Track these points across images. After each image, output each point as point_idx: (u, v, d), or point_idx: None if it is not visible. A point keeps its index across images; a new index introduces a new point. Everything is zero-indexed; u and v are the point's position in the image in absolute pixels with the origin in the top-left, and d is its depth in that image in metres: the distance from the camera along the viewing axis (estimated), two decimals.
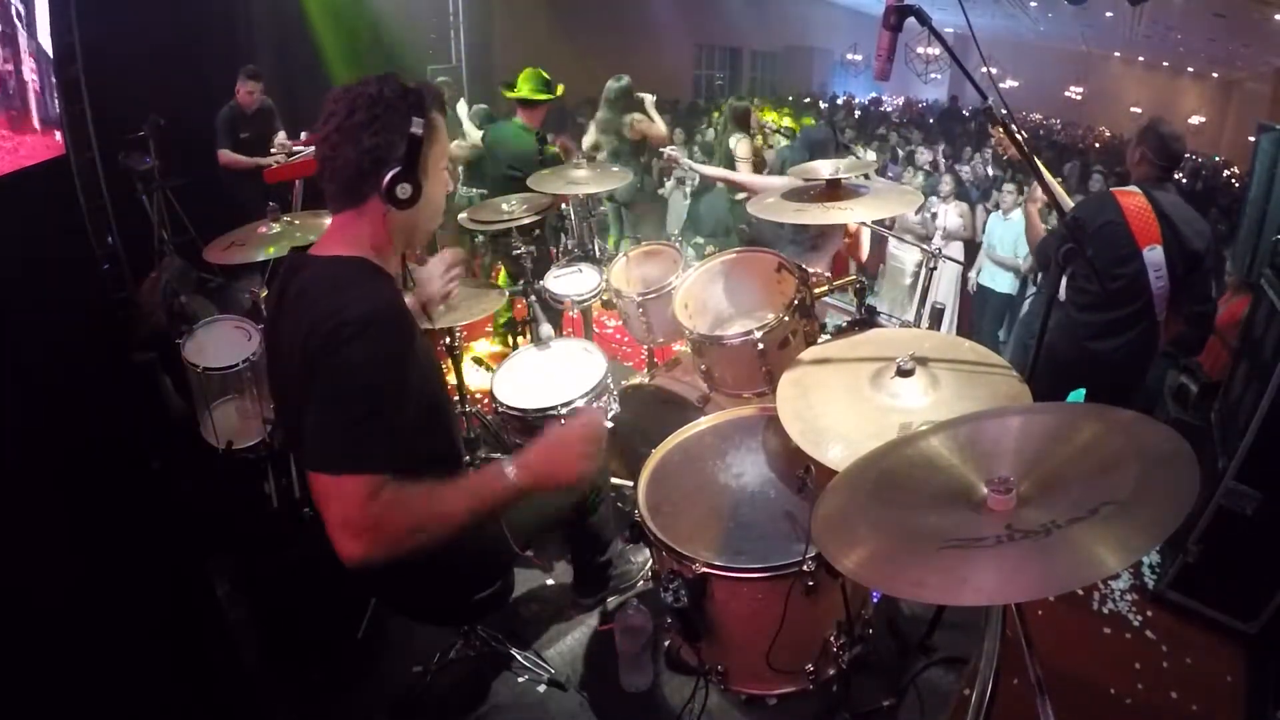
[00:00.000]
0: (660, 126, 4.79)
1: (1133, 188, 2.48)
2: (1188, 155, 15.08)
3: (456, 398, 2.75)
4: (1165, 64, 17.15)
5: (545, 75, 3.45)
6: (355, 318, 1.16)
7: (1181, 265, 2.42)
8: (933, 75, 13.54)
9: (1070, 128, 17.14)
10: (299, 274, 1.30)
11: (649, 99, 4.77)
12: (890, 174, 6.75)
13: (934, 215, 5.47)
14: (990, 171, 7.35)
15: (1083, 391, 2.77)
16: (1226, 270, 3.42)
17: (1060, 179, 5.27)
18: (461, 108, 4.98)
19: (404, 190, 1.25)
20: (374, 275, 1.28)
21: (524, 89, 3.39)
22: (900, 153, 8.11)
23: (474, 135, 4.69)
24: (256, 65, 4.65)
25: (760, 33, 15.51)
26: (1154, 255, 2.40)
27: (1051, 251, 2.59)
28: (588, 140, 4.83)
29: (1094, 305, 2.54)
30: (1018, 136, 1.51)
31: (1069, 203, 2.68)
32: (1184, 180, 10.21)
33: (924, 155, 7.27)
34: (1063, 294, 2.75)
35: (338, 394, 1.17)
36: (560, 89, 3.50)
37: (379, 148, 1.23)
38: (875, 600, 1.80)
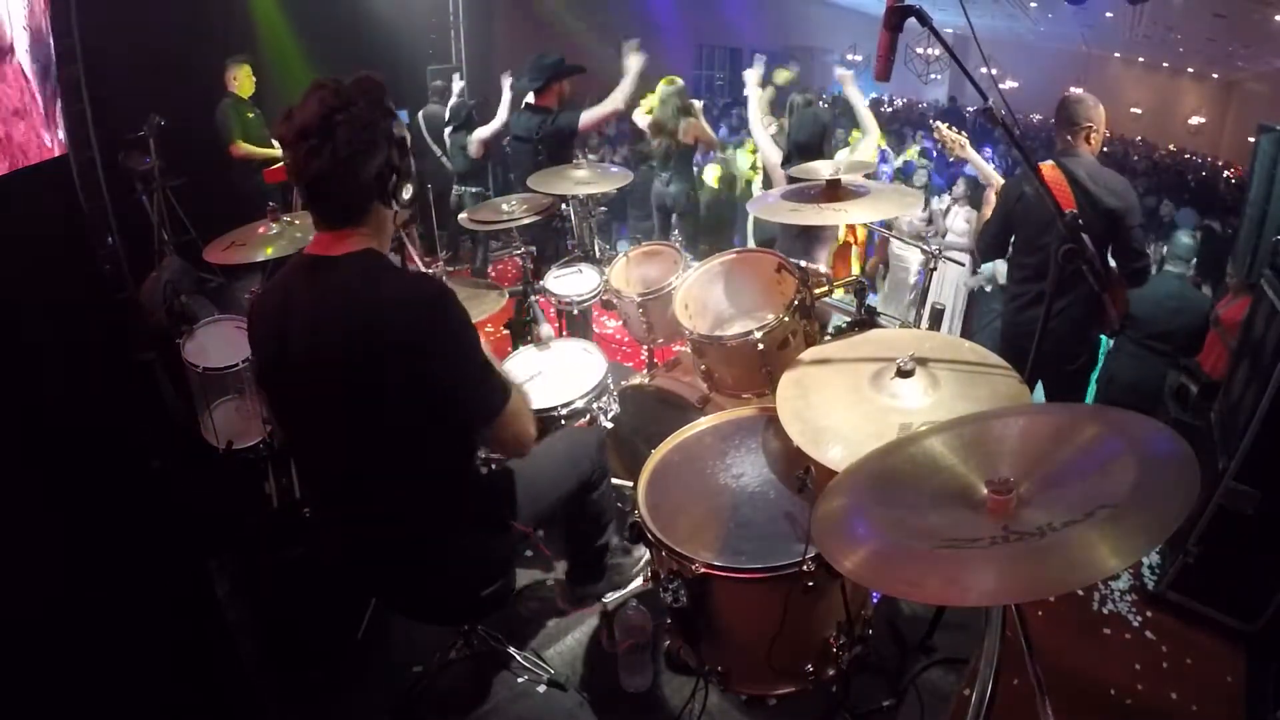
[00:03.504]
0: (711, 132, 4.80)
1: (1049, 161, 2.59)
2: (1189, 155, 15.15)
3: None
4: (1165, 64, 17.15)
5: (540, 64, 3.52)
6: (433, 292, 1.29)
7: (1100, 225, 2.48)
8: (933, 76, 13.52)
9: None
10: (321, 273, 1.31)
11: (698, 105, 4.79)
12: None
13: (946, 211, 5.46)
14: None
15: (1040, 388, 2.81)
16: (1228, 272, 3.42)
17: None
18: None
19: (407, 191, 1.33)
20: (392, 263, 1.37)
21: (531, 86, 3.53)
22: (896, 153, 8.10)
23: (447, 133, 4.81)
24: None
25: (760, 33, 15.48)
26: (1069, 217, 2.46)
27: (994, 240, 2.79)
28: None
29: (1029, 277, 2.67)
30: (1015, 134, 1.50)
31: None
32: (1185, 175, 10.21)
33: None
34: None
35: (465, 353, 1.32)
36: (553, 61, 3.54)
37: (380, 168, 1.28)
38: (875, 600, 1.80)
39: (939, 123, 3.30)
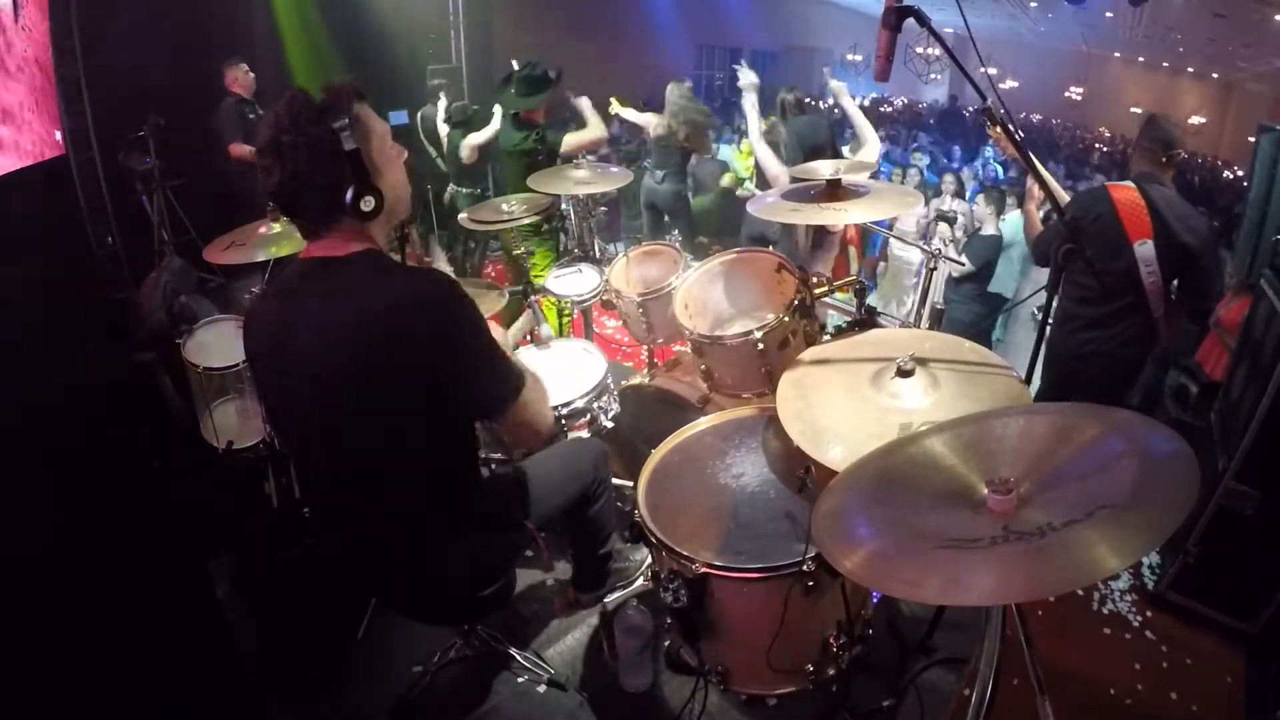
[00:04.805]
0: (709, 140, 4.86)
1: (1127, 182, 2.49)
2: (1187, 154, 15.10)
3: None
4: (1165, 64, 17.13)
5: (531, 76, 3.52)
6: (443, 286, 1.29)
7: (1173, 260, 2.42)
8: (933, 76, 13.54)
9: (1069, 128, 17.16)
10: (328, 273, 1.30)
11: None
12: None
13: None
14: (992, 170, 7.37)
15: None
16: (1228, 272, 3.41)
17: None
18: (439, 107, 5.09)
19: (367, 204, 1.29)
20: (397, 261, 1.38)
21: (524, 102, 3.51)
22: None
23: (443, 131, 4.82)
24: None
25: (760, 33, 15.50)
26: (1144, 250, 2.40)
27: (1049, 248, 2.61)
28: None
29: (1088, 299, 2.57)
30: (1014, 134, 1.50)
31: (1065, 198, 2.69)
32: (1188, 176, 10.26)
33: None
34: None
35: (475, 344, 1.32)
36: (548, 75, 3.53)
37: (328, 180, 1.26)
38: (875, 600, 1.80)
39: (994, 126, 3.23)
